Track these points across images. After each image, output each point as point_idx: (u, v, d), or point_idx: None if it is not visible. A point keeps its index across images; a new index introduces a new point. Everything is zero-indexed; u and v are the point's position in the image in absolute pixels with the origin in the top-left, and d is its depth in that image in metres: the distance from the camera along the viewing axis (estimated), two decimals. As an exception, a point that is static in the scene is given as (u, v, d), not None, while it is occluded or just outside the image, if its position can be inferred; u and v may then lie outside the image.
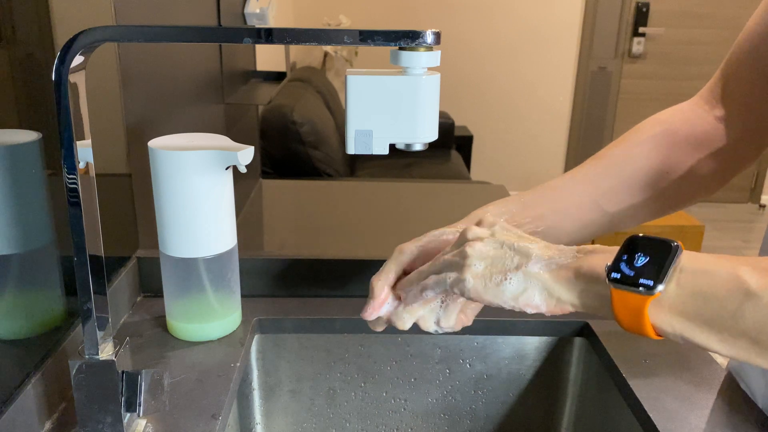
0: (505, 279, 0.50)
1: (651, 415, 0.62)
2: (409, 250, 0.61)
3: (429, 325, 0.59)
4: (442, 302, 0.59)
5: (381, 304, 0.60)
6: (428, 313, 0.59)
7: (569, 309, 0.50)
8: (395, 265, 0.61)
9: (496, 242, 0.52)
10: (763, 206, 4.31)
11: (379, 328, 0.62)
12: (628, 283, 0.45)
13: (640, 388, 0.67)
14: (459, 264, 0.52)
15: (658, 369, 0.70)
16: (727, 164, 0.69)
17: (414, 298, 0.57)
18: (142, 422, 0.60)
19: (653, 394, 0.66)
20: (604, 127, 4.17)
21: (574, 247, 0.51)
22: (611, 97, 4.11)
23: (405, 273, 0.61)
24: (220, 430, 0.61)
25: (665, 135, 0.69)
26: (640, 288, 0.44)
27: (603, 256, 0.48)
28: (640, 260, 0.45)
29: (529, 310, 0.50)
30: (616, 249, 0.48)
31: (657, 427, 0.61)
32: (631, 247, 0.47)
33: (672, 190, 0.68)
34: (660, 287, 0.44)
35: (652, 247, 0.46)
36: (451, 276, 0.53)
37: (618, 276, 0.45)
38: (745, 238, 3.84)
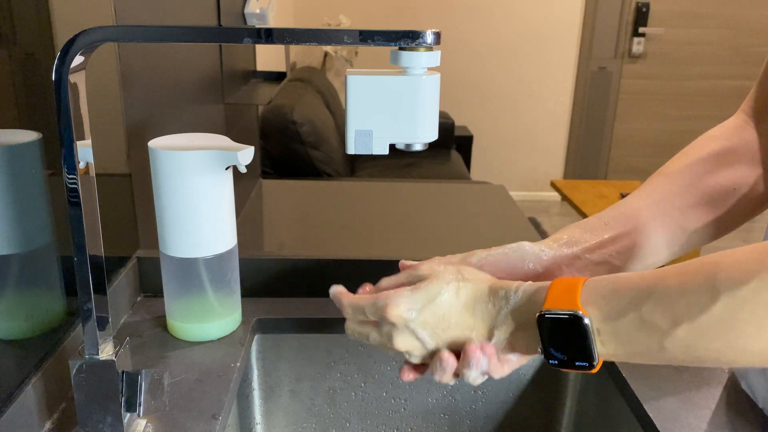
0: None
1: (651, 415, 0.62)
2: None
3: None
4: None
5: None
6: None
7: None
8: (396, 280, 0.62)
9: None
10: (763, 206, 4.31)
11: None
12: (568, 366, 0.50)
13: (640, 388, 0.67)
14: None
15: (658, 369, 0.70)
16: None
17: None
18: (142, 422, 0.60)
19: (653, 394, 0.66)
20: (604, 127, 4.17)
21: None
22: (611, 97, 4.11)
23: None
24: (220, 430, 0.61)
25: (725, 153, 0.68)
26: (580, 367, 0.50)
27: (526, 335, 0.52)
28: (564, 345, 0.50)
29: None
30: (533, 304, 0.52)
31: (657, 427, 0.61)
32: (547, 330, 0.50)
33: (739, 206, 0.67)
34: (595, 363, 0.49)
35: (565, 329, 0.49)
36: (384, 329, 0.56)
37: (555, 363, 0.50)
38: (745, 238, 3.84)
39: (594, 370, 0.50)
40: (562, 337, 0.49)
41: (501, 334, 0.53)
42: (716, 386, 0.68)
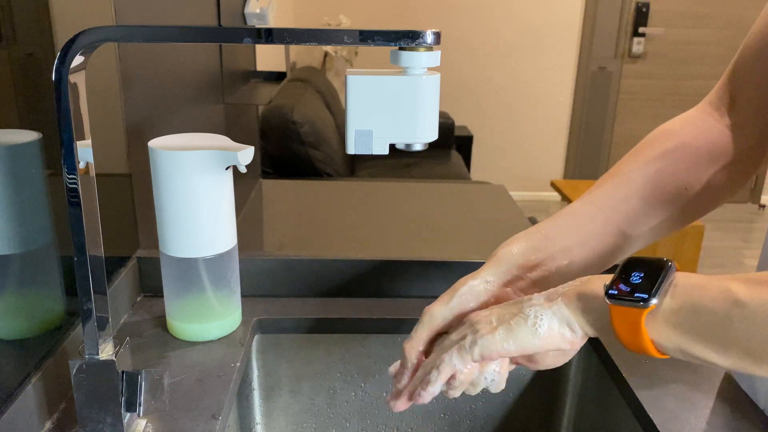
0: (516, 319, 0.52)
1: (651, 415, 0.62)
2: (440, 312, 0.59)
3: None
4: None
5: (414, 370, 0.59)
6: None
7: (581, 335, 0.52)
8: (426, 330, 0.59)
9: (498, 308, 0.55)
10: (763, 206, 4.31)
11: (403, 407, 0.59)
12: (624, 298, 0.47)
13: (640, 388, 0.67)
14: (471, 329, 0.54)
15: (658, 369, 0.70)
16: (741, 172, 0.67)
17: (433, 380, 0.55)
18: (142, 422, 0.60)
19: (653, 394, 0.66)
20: (604, 127, 4.17)
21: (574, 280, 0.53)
22: (611, 97, 4.11)
23: (437, 335, 0.60)
24: (220, 430, 0.61)
25: (679, 150, 0.66)
26: (636, 302, 0.46)
27: (602, 279, 0.50)
28: (636, 278, 0.48)
29: (553, 345, 0.52)
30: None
31: (657, 427, 0.61)
32: (629, 267, 0.49)
33: (691, 205, 0.66)
34: (654, 300, 0.46)
35: (647, 266, 0.48)
36: (467, 340, 0.54)
37: (615, 292, 0.48)
38: (745, 238, 3.84)
39: (645, 312, 0.46)
40: (639, 273, 0.48)
41: (561, 300, 0.51)
42: (716, 386, 0.68)
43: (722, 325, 0.43)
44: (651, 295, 0.46)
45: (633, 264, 0.50)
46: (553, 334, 0.51)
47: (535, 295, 0.54)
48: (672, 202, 0.65)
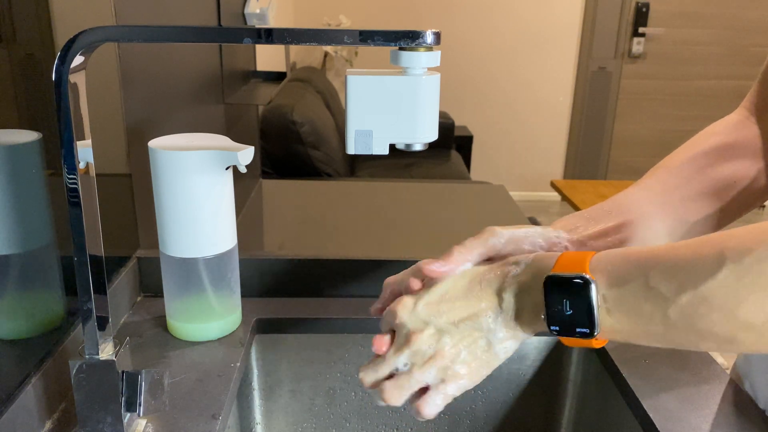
0: (483, 359, 0.54)
1: (651, 415, 0.62)
2: (500, 233, 0.58)
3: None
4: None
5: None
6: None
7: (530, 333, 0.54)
8: (480, 247, 0.58)
9: (450, 338, 0.54)
10: (763, 206, 4.31)
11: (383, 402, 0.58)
12: (569, 333, 0.49)
13: (640, 388, 0.67)
14: (437, 369, 0.54)
15: (658, 369, 0.70)
16: None
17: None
18: (142, 422, 0.60)
19: (653, 394, 0.66)
20: (604, 127, 4.17)
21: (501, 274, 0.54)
22: (611, 97, 4.11)
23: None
24: (220, 430, 0.61)
25: (727, 147, 0.69)
26: (582, 335, 0.49)
27: (532, 299, 0.51)
28: (568, 308, 0.49)
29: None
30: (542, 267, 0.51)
31: (657, 427, 0.61)
32: (553, 291, 0.49)
33: (739, 199, 0.68)
34: (597, 331, 0.48)
35: (572, 292, 0.48)
36: (434, 388, 0.55)
37: (557, 328, 0.50)
38: (745, 238, 3.84)
39: (595, 342, 0.49)
40: (566, 301, 0.49)
41: (509, 296, 0.52)
42: (716, 386, 0.68)
43: (664, 328, 0.46)
44: (592, 329, 0.48)
45: (554, 287, 0.49)
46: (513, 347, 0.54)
47: (490, 313, 0.53)
48: (722, 194, 0.67)
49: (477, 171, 4.02)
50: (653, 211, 0.64)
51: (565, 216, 0.65)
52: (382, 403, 0.56)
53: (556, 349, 0.82)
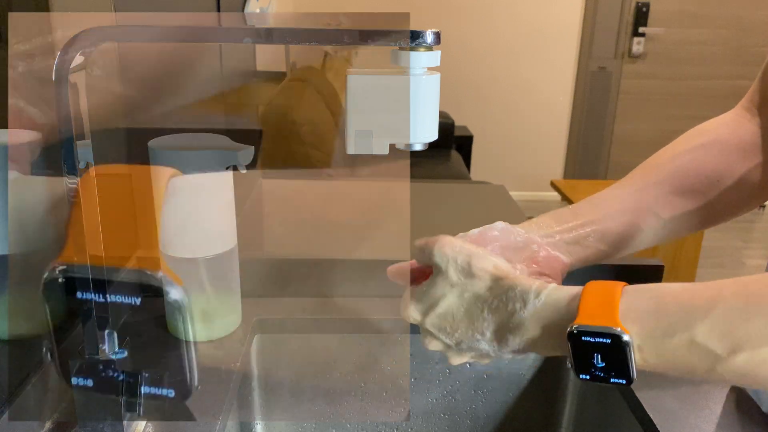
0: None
1: (651, 415, 0.62)
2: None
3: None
4: None
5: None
6: None
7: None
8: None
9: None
10: (763, 206, 4.31)
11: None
12: (602, 381, 0.46)
13: (640, 388, 0.67)
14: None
15: (658, 369, 0.70)
16: None
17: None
18: (142, 422, 0.60)
19: (653, 394, 0.66)
20: (604, 127, 4.16)
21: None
22: (611, 97, 4.11)
23: None
24: (220, 430, 0.61)
25: (713, 144, 0.68)
26: (616, 384, 0.46)
27: (551, 342, 0.48)
28: (599, 361, 0.45)
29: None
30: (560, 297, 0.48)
31: (657, 427, 0.61)
32: (581, 346, 0.45)
33: (722, 199, 0.66)
34: (634, 379, 0.45)
35: (604, 347, 0.45)
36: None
37: (587, 377, 0.46)
38: (746, 238, 3.84)
39: (631, 384, 0.46)
40: (597, 354, 0.45)
41: (516, 339, 0.49)
42: (717, 386, 0.68)
43: (707, 375, 0.43)
44: (628, 380, 0.45)
45: (583, 340, 0.45)
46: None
47: (488, 342, 0.51)
48: (702, 192, 0.66)
49: (477, 171, 4.02)
50: (621, 210, 0.64)
51: (538, 217, 0.65)
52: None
53: (556, 349, 0.82)
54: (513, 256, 0.58)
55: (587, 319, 0.45)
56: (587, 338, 0.45)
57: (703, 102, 4.07)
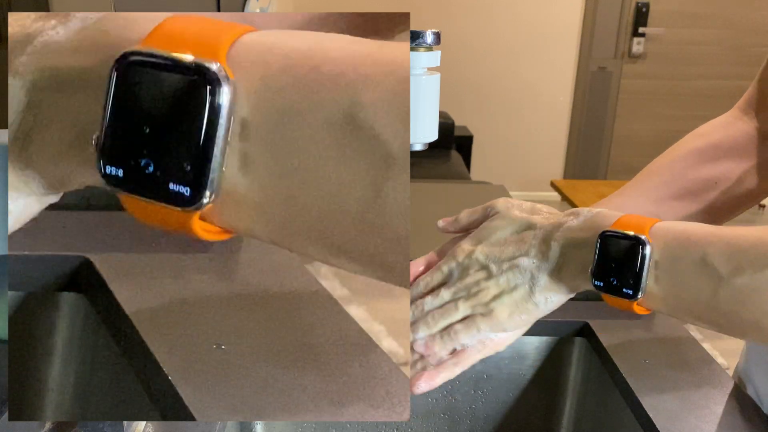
0: (525, 304, 0.53)
1: (651, 415, 0.62)
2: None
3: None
4: None
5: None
6: None
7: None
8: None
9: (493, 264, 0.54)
10: (762, 206, 4.31)
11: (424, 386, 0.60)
12: (612, 291, 0.49)
13: (640, 388, 0.67)
14: (473, 298, 0.54)
15: (658, 369, 0.70)
16: None
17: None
18: (141, 422, 0.60)
19: (653, 394, 0.66)
20: (604, 127, 4.17)
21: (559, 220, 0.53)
22: (611, 97, 4.11)
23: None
24: (220, 429, 0.61)
25: (708, 148, 0.69)
26: (625, 296, 0.49)
27: (581, 254, 0.51)
28: (617, 266, 0.49)
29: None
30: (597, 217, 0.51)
31: (657, 427, 0.61)
32: (606, 247, 0.49)
33: (721, 201, 0.68)
34: (640, 294, 0.48)
35: (626, 250, 0.48)
36: (477, 320, 0.54)
37: (601, 284, 0.50)
38: (745, 238, 3.84)
39: (634, 306, 0.49)
40: (618, 258, 0.48)
41: (556, 247, 0.52)
42: (717, 386, 0.68)
43: (708, 305, 0.45)
44: (636, 291, 0.48)
45: (609, 243, 0.49)
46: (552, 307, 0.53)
47: (534, 260, 0.53)
48: (701, 195, 0.68)
49: (477, 171, 4.02)
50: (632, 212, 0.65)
51: None
52: (420, 335, 0.56)
53: (556, 349, 0.82)
54: None
55: (620, 226, 0.49)
56: (615, 238, 0.49)
57: (703, 102, 4.07)
